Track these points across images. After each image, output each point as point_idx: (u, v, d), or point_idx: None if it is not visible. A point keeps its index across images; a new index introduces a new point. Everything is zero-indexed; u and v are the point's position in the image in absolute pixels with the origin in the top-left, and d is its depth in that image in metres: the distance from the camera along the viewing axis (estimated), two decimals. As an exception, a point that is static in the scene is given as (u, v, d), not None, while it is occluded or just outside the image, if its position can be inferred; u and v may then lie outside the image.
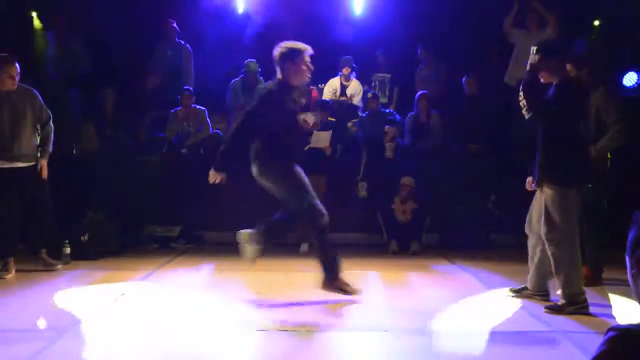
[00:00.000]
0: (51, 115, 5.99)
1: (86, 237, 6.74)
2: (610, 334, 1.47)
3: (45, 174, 5.92)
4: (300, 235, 7.53)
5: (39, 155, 5.89)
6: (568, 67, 5.43)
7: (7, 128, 5.73)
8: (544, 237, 4.57)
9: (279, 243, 7.70)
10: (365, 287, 5.26)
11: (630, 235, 1.58)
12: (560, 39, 4.91)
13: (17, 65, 5.68)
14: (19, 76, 5.70)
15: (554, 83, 4.64)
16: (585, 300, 4.50)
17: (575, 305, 4.46)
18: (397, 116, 8.70)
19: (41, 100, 5.92)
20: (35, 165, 5.87)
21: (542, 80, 4.71)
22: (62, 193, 7.52)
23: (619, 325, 1.49)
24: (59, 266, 6.05)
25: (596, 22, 8.78)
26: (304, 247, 7.44)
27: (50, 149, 5.99)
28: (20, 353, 3.50)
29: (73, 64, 8.82)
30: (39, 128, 5.90)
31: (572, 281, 4.48)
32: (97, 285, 5.48)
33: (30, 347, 3.58)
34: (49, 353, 3.53)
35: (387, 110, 8.90)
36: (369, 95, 8.87)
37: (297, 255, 7.23)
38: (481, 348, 3.79)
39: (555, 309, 4.50)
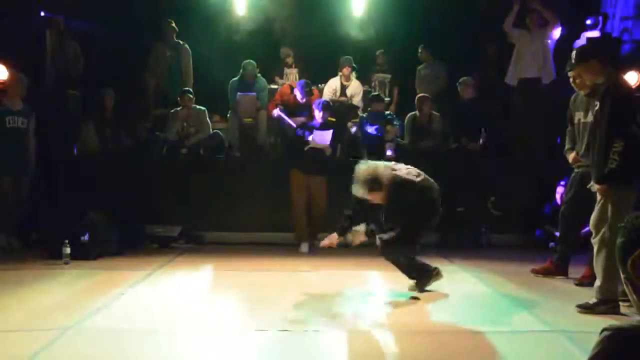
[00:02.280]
0: None
1: (86, 237, 6.74)
2: (605, 334, 1.48)
3: None
4: (301, 236, 7.55)
5: None
6: (572, 72, 5.45)
7: None
8: (592, 230, 4.56)
9: (278, 244, 7.77)
10: (366, 287, 5.26)
11: (619, 242, 1.59)
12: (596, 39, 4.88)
13: None
14: None
15: (599, 84, 4.60)
16: (618, 300, 4.49)
17: (607, 305, 4.45)
18: (396, 117, 8.71)
19: None
20: None
21: (587, 82, 4.69)
22: (62, 193, 7.56)
23: (613, 325, 1.50)
24: None
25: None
26: (304, 247, 7.44)
27: None
28: (20, 353, 3.50)
29: (71, 64, 8.81)
30: None
31: (611, 280, 4.45)
32: (97, 285, 5.48)
33: (30, 347, 3.58)
34: (49, 353, 3.53)
35: (387, 112, 8.92)
36: (378, 93, 8.87)
37: (297, 255, 7.23)
38: (481, 348, 3.79)
39: (587, 308, 4.47)
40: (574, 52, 4.75)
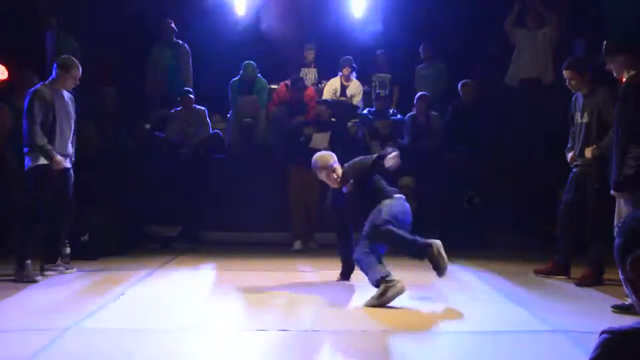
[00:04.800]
0: None
1: (86, 237, 6.74)
2: (604, 336, 1.47)
3: None
4: (296, 234, 7.56)
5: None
6: (568, 73, 5.43)
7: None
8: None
9: (278, 244, 7.77)
10: (365, 287, 5.26)
11: (617, 242, 1.57)
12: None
13: None
14: None
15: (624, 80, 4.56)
16: None
17: None
18: (399, 116, 8.73)
19: None
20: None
21: (614, 74, 4.66)
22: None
23: (612, 327, 1.48)
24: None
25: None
26: (297, 244, 7.47)
27: None
28: (20, 353, 3.50)
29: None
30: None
31: None
32: (97, 285, 5.48)
33: (30, 347, 3.58)
34: (49, 353, 3.53)
35: (390, 110, 8.94)
36: (382, 93, 8.89)
37: (295, 255, 7.23)
38: (481, 348, 3.79)
39: (624, 308, 4.40)
40: (606, 42, 4.68)
